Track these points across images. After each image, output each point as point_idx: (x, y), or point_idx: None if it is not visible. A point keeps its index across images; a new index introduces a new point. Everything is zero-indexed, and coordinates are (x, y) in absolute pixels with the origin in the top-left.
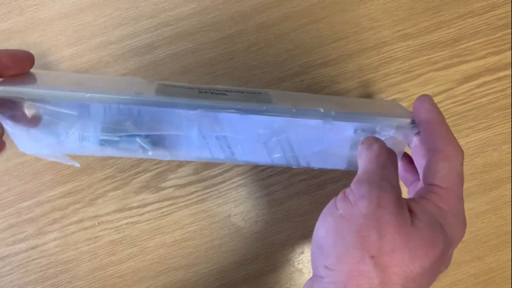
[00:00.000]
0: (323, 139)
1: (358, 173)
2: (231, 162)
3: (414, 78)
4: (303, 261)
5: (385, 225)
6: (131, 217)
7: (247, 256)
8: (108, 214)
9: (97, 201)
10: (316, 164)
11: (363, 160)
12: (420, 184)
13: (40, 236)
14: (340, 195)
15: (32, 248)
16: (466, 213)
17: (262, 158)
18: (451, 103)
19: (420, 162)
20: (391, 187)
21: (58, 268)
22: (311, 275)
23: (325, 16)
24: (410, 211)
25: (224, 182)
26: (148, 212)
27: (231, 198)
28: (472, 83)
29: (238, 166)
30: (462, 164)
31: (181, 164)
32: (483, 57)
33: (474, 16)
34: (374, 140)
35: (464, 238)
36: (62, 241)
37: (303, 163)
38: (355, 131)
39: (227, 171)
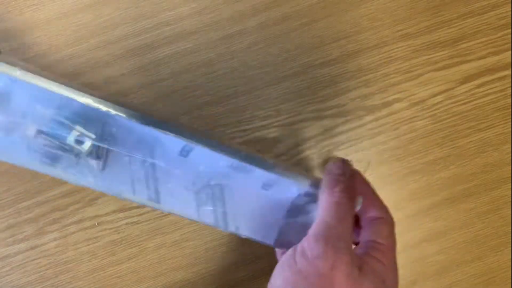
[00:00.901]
0: (261, 197)
1: (317, 221)
2: (150, 205)
3: (415, 78)
4: None
5: (336, 285)
6: (131, 217)
7: (247, 256)
8: (108, 214)
9: (97, 201)
10: (245, 230)
11: (323, 205)
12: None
13: (40, 236)
14: (299, 248)
15: (32, 248)
16: (467, 213)
17: (189, 208)
18: (451, 103)
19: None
20: (346, 248)
21: (57, 268)
22: None
23: (325, 16)
24: (359, 269)
25: None
26: (148, 212)
27: None
28: (472, 83)
29: None
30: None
31: None
32: (484, 57)
33: (474, 16)
34: (337, 180)
35: (464, 238)
36: (62, 241)
37: (231, 226)
38: (299, 194)
39: None
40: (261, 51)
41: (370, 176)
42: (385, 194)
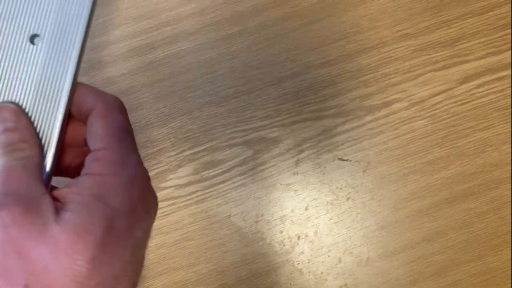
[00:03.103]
0: None
1: None
2: None
3: (414, 78)
4: (303, 261)
5: (23, 244)
6: None
7: (247, 256)
8: None
9: None
10: None
11: None
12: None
13: None
14: None
15: None
16: (467, 213)
17: None
18: (451, 103)
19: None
20: (16, 200)
21: None
22: (311, 275)
23: (325, 16)
24: (61, 203)
25: (224, 182)
26: None
27: (231, 198)
28: (472, 83)
29: (239, 166)
30: (121, 113)
31: (181, 164)
32: (483, 57)
33: (474, 16)
34: None
35: (464, 238)
36: None
37: None
38: None
39: (227, 171)
40: (261, 51)
41: (369, 176)
42: (385, 194)
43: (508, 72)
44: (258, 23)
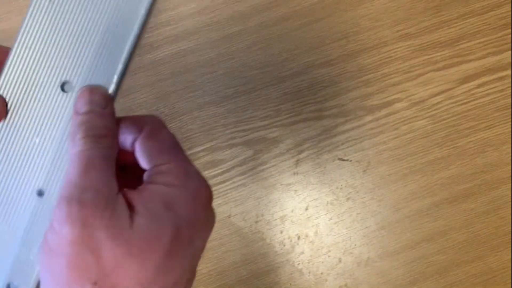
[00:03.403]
0: None
1: (63, 183)
2: None
3: (414, 78)
4: (303, 261)
5: (99, 243)
6: None
7: (247, 256)
8: None
9: None
10: None
11: (69, 160)
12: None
13: None
14: (49, 224)
15: None
16: (467, 213)
17: None
18: (451, 103)
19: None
20: (96, 196)
21: None
22: (311, 275)
23: (325, 16)
24: (131, 206)
25: (224, 182)
26: None
27: (231, 198)
28: (472, 83)
29: (239, 166)
30: (166, 129)
31: None
32: (484, 57)
33: (474, 16)
34: (79, 123)
35: (464, 238)
36: None
37: None
38: None
39: (227, 171)
40: (261, 51)
41: (370, 176)
42: (385, 194)
43: (508, 72)
44: (258, 23)
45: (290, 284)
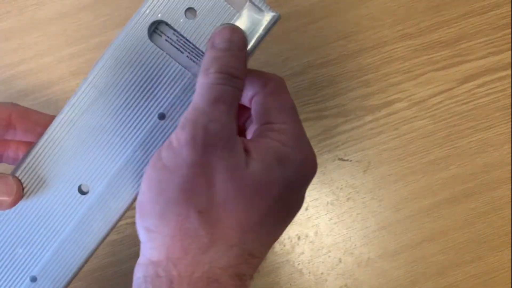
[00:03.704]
0: None
1: (188, 108)
2: None
3: (415, 78)
4: (303, 261)
5: (215, 172)
6: (131, 217)
7: None
8: None
9: None
10: None
11: (197, 89)
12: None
13: None
14: (166, 142)
15: None
16: (467, 213)
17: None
18: (452, 103)
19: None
20: (221, 128)
21: None
22: (311, 275)
23: (325, 15)
24: (247, 151)
25: None
26: None
27: None
28: (472, 83)
29: None
30: (288, 92)
31: None
32: (484, 56)
33: (475, 15)
34: (215, 58)
35: (464, 239)
36: None
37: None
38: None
39: None
40: (261, 51)
41: (370, 176)
42: (386, 194)
43: (509, 72)
44: None
45: (290, 284)
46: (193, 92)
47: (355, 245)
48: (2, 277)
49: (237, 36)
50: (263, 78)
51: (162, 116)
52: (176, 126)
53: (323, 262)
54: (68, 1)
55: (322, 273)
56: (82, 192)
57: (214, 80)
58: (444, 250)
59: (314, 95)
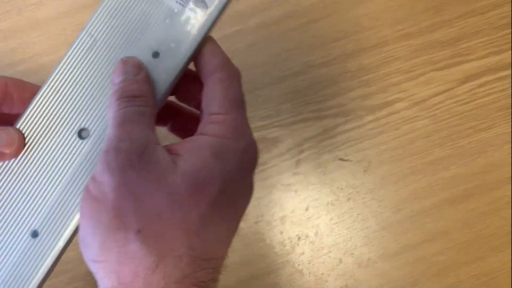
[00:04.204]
0: None
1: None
2: None
3: (415, 78)
4: (303, 262)
5: (140, 188)
6: None
7: (247, 257)
8: None
9: None
10: None
11: (108, 125)
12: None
13: None
14: (90, 176)
15: None
16: (468, 214)
17: None
18: (452, 102)
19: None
20: (131, 144)
21: (58, 268)
22: (311, 276)
23: (325, 15)
24: (176, 154)
25: None
26: None
27: None
28: (473, 82)
29: None
30: (240, 83)
31: None
32: (484, 56)
33: (475, 15)
34: (116, 90)
35: (465, 239)
36: None
37: None
38: None
39: None
40: (261, 51)
41: (370, 176)
42: (386, 194)
43: (509, 71)
44: (258, 22)
45: (291, 284)
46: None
47: (356, 245)
48: (2, 233)
49: (129, 65)
50: (215, 65)
51: (156, 55)
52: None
53: (323, 263)
54: (67, 1)
55: (322, 274)
56: (81, 137)
57: (116, 108)
58: (444, 251)
59: (314, 95)
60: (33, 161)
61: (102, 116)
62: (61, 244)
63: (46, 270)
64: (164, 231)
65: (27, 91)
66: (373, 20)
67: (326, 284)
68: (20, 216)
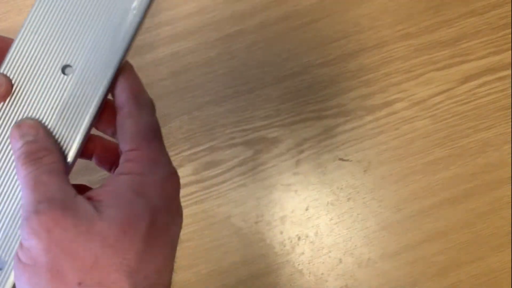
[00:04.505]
0: None
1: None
2: None
3: (415, 78)
4: (303, 262)
5: (70, 243)
6: None
7: (247, 257)
8: None
9: None
10: None
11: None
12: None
13: None
14: (18, 246)
15: None
16: (468, 214)
17: None
18: (452, 103)
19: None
20: (49, 203)
21: None
22: (311, 276)
23: (325, 15)
24: (98, 201)
25: (224, 182)
26: None
27: (231, 199)
28: (473, 82)
29: (239, 166)
30: (151, 115)
31: (180, 164)
32: (484, 56)
33: (475, 15)
34: (16, 158)
35: (465, 239)
36: None
37: None
38: None
39: (227, 171)
40: (261, 51)
41: (370, 176)
42: (386, 194)
43: (509, 71)
44: (258, 23)
45: (291, 284)
46: None
47: (356, 245)
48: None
49: (25, 128)
50: (124, 98)
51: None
52: None
53: (323, 263)
54: None
55: (322, 274)
56: (65, 73)
57: (24, 173)
58: (444, 251)
59: (314, 95)
60: (21, 103)
61: (83, 50)
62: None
63: None
64: (105, 277)
65: (2, 42)
66: (373, 20)
67: (326, 284)
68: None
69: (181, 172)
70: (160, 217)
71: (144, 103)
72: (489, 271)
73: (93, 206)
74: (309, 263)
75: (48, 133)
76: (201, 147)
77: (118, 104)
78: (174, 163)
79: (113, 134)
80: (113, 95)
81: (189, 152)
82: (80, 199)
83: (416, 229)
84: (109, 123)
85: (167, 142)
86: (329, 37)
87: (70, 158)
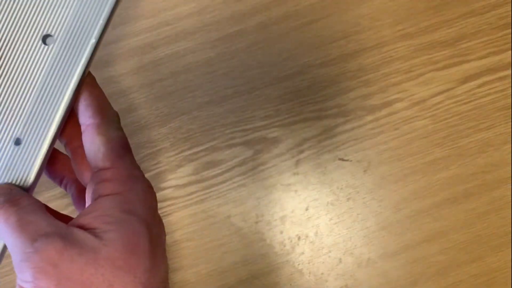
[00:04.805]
0: None
1: (12, 258)
2: None
3: (415, 78)
4: (303, 262)
5: (82, 274)
6: None
7: (247, 257)
8: None
9: None
10: None
11: (4, 238)
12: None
13: None
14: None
15: None
16: (467, 214)
17: None
18: (452, 103)
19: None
20: (49, 239)
21: None
22: (311, 276)
23: (325, 15)
24: (92, 229)
25: (224, 182)
26: None
27: (231, 199)
28: (473, 82)
29: (239, 166)
30: (119, 129)
31: (180, 164)
32: (484, 56)
33: (475, 15)
34: None
35: (465, 239)
36: None
37: None
38: None
39: (227, 171)
40: (261, 51)
41: (370, 176)
42: (386, 194)
43: (509, 72)
44: (258, 23)
45: (291, 284)
46: None
47: (355, 245)
48: None
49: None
50: (94, 111)
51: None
52: None
53: (323, 263)
54: None
55: (322, 274)
56: (46, 43)
57: (3, 217)
58: (444, 250)
59: (314, 95)
60: (4, 73)
61: (63, 19)
62: (45, 147)
63: (33, 176)
64: None
65: None
66: (373, 20)
67: (326, 284)
68: (1, 127)
69: (181, 172)
70: (153, 230)
71: (112, 118)
72: (489, 271)
73: (90, 234)
74: (309, 263)
75: (12, 187)
76: (201, 147)
77: (84, 121)
78: (174, 163)
79: (66, 146)
80: (77, 112)
81: (189, 152)
82: (75, 229)
83: (416, 229)
84: (71, 135)
85: (167, 142)
86: (329, 37)
87: (50, 138)
